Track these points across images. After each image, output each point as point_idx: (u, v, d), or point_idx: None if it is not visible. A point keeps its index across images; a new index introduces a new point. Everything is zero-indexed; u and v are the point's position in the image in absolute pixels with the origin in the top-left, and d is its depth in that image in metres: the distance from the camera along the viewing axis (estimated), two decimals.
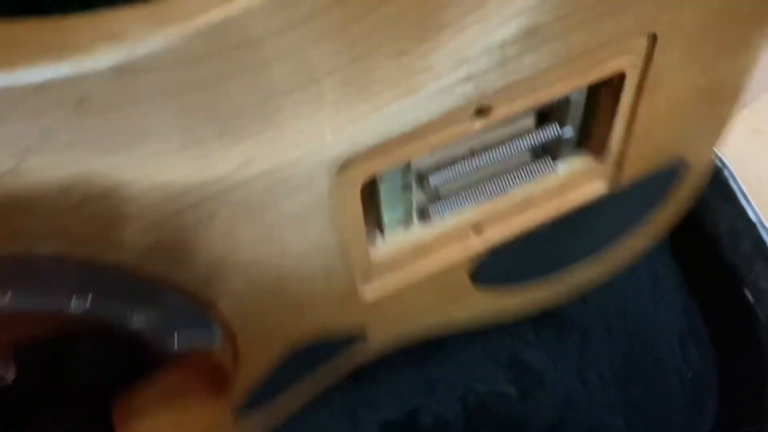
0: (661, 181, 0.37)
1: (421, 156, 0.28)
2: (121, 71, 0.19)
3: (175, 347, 0.27)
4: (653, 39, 0.28)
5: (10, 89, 0.18)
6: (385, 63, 0.23)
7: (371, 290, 0.31)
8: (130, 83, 0.20)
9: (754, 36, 0.31)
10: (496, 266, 0.35)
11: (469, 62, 0.24)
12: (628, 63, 0.28)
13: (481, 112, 0.26)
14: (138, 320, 0.25)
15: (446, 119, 0.25)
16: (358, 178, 0.25)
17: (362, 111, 0.23)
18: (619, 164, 0.33)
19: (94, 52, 0.19)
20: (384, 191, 0.28)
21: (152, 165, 0.21)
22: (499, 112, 0.27)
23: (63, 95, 0.19)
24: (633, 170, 0.34)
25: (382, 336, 0.34)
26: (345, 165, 0.24)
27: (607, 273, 0.41)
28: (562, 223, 0.34)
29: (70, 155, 0.19)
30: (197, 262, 0.24)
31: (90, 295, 0.23)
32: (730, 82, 0.32)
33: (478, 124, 0.27)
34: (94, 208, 0.21)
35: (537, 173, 0.32)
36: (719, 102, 0.34)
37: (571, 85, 0.27)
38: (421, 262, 0.31)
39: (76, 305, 0.23)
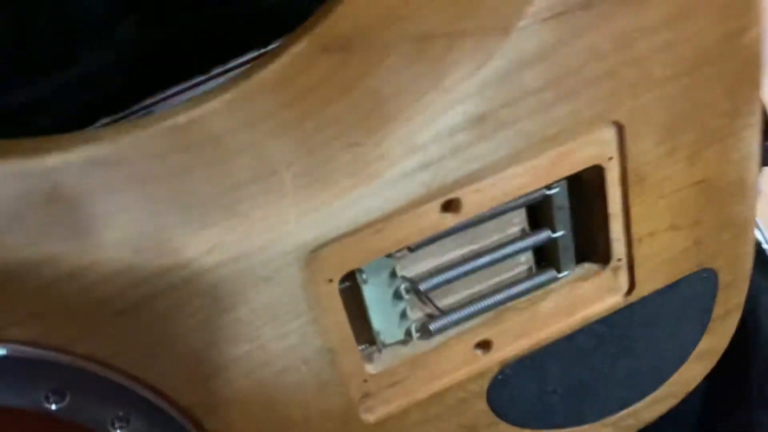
0: (695, 298, 0.35)
1: (406, 262, 0.29)
2: (92, 163, 0.22)
3: None
4: (620, 128, 0.28)
5: None
6: (340, 153, 0.25)
7: (369, 407, 0.29)
8: (98, 174, 0.22)
9: (737, 127, 0.31)
10: (521, 398, 0.33)
11: (421, 150, 0.25)
12: (600, 155, 0.29)
13: (450, 205, 0.27)
14: (119, 428, 0.25)
15: (415, 213, 0.26)
16: (331, 272, 0.26)
17: (323, 199, 0.25)
18: (631, 274, 0.32)
19: (68, 146, 0.22)
20: (369, 297, 0.28)
21: (119, 249, 0.23)
22: (470, 206, 0.27)
23: (35, 184, 0.22)
24: (650, 283, 0.32)
25: None
26: (314, 256, 0.25)
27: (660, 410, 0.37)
28: (600, 358, 0.33)
29: (40, 236, 0.22)
30: (173, 361, 0.25)
31: (68, 394, 0.24)
32: (731, 177, 0.32)
33: (451, 219, 0.27)
34: (65, 288, 0.22)
35: (538, 285, 0.31)
36: (728, 201, 0.33)
37: (543, 178, 0.28)
38: (424, 379, 0.30)
39: (55, 402, 0.24)
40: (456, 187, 0.27)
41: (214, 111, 0.24)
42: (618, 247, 0.31)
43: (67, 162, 0.22)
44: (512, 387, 0.32)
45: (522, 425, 0.33)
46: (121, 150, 0.23)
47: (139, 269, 0.23)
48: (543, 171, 0.28)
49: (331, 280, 0.26)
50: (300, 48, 0.25)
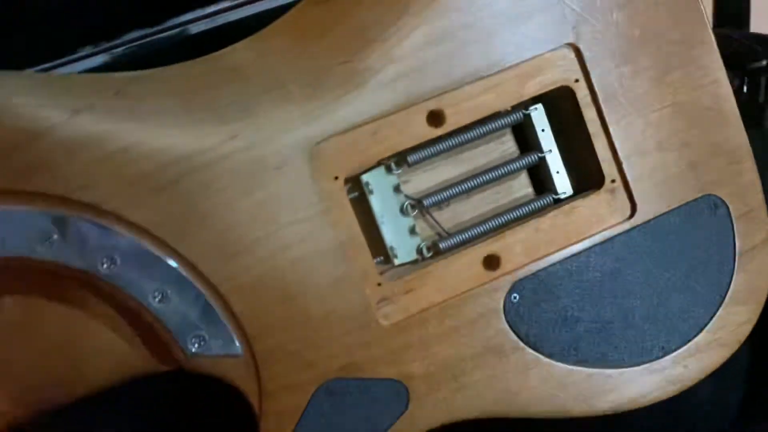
0: (711, 230, 0.36)
1: (408, 179, 0.34)
2: (150, 79, 0.31)
3: (194, 349, 0.30)
4: (577, 51, 0.33)
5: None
6: (335, 68, 0.32)
7: (387, 314, 0.32)
8: (153, 86, 0.30)
9: (694, 55, 0.35)
10: (541, 323, 0.34)
11: (398, 61, 0.32)
12: (565, 77, 0.34)
13: (434, 117, 0.32)
14: (158, 300, 0.30)
15: (403, 119, 0.32)
16: (335, 170, 0.31)
17: (322, 103, 0.31)
18: (629, 195, 0.34)
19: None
20: (377, 208, 0.33)
21: (161, 133, 0.30)
22: (452, 119, 0.32)
23: (107, 85, 0.30)
24: (652, 204, 0.35)
25: (430, 402, 0.32)
26: (317, 150, 0.31)
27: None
28: (621, 292, 0.34)
29: (106, 119, 0.29)
30: (204, 236, 0.30)
31: (119, 261, 0.29)
32: (705, 103, 0.35)
33: (437, 131, 0.32)
34: (120, 159, 0.29)
35: (538, 208, 0.34)
36: (709, 126, 0.35)
37: (512, 96, 0.33)
38: (437, 289, 0.32)
39: (106, 267, 0.29)
40: (433, 97, 0.32)
41: (238, 48, 0.32)
42: (609, 168, 0.34)
43: (133, 76, 0.30)
44: (530, 309, 0.33)
45: (550, 355, 0.34)
46: (170, 72, 0.31)
47: (175, 149, 0.29)
48: (511, 88, 0.33)
49: (336, 178, 0.31)
50: (300, 5, 0.33)
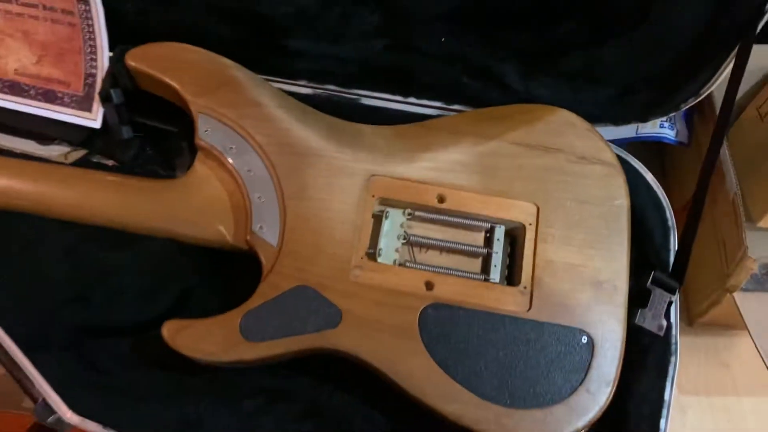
0: (573, 354, 0.52)
1: (412, 223, 0.57)
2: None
3: (256, 230, 0.54)
4: (538, 209, 0.56)
5: None
6: (416, 149, 0.58)
7: (356, 275, 0.53)
8: None
9: (612, 243, 0.55)
10: (443, 339, 0.52)
11: (431, 161, 0.57)
12: (526, 218, 0.56)
13: (442, 197, 0.56)
14: (258, 197, 0.55)
15: (423, 192, 0.56)
16: (375, 192, 0.56)
17: (392, 158, 0.57)
18: (530, 300, 0.53)
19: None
20: (385, 227, 0.56)
21: (304, 130, 0.57)
22: (451, 202, 0.56)
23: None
24: (541, 314, 0.53)
25: (350, 333, 0.51)
26: (372, 179, 0.56)
27: None
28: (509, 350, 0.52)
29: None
30: (295, 181, 0.55)
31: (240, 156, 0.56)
32: (605, 277, 0.54)
33: (441, 206, 0.56)
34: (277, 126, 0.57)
35: (475, 276, 0.55)
36: (602, 293, 0.54)
37: (493, 211, 0.56)
38: (389, 278, 0.53)
39: (234, 154, 0.56)
40: (445, 187, 0.56)
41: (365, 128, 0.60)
42: (526, 278, 0.54)
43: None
44: (434, 321, 0.52)
45: (443, 366, 0.51)
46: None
47: (310, 141, 0.57)
48: (493, 206, 0.56)
49: (374, 196, 0.56)
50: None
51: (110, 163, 0.64)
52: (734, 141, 0.63)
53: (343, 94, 0.65)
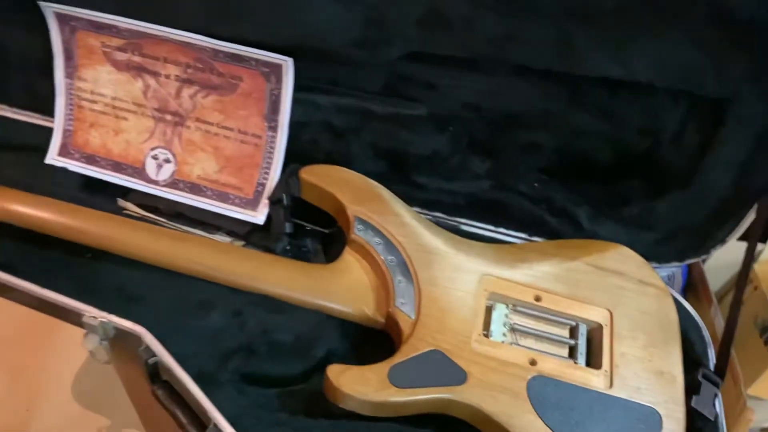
0: (647, 429, 0.65)
1: (515, 316, 0.72)
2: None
3: (398, 304, 0.69)
4: (611, 314, 0.72)
5: None
6: (517, 261, 0.75)
7: (475, 347, 0.67)
8: None
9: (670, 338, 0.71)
10: (552, 406, 0.65)
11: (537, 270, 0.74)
12: (602, 320, 0.71)
13: (538, 296, 0.72)
14: (398, 281, 0.70)
15: (525, 292, 0.72)
16: (487, 287, 0.72)
17: (500, 263, 0.73)
18: (610, 380, 0.67)
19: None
20: (494, 316, 0.71)
21: (430, 237, 0.74)
22: (546, 302, 0.72)
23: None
24: (619, 391, 0.67)
25: (473, 390, 0.64)
26: (484, 277, 0.72)
27: None
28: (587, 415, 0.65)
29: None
30: (428, 271, 0.71)
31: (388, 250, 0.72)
32: (664, 368, 0.69)
33: (540, 304, 0.72)
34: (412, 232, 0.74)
35: (564, 358, 0.69)
36: (658, 380, 0.68)
37: (576, 311, 0.71)
38: (501, 353, 0.67)
39: (382, 249, 0.72)
40: (541, 290, 0.72)
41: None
42: (606, 364, 0.68)
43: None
44: (542, 390, 0.65)
45: (547, 423, 0.63)
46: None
47: (439, 246, 0.74)
48: (576, 308, 0.72)
49: (485, 290, 0.71)
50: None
51: None
52: None
53: (446, 220, 0.83)
